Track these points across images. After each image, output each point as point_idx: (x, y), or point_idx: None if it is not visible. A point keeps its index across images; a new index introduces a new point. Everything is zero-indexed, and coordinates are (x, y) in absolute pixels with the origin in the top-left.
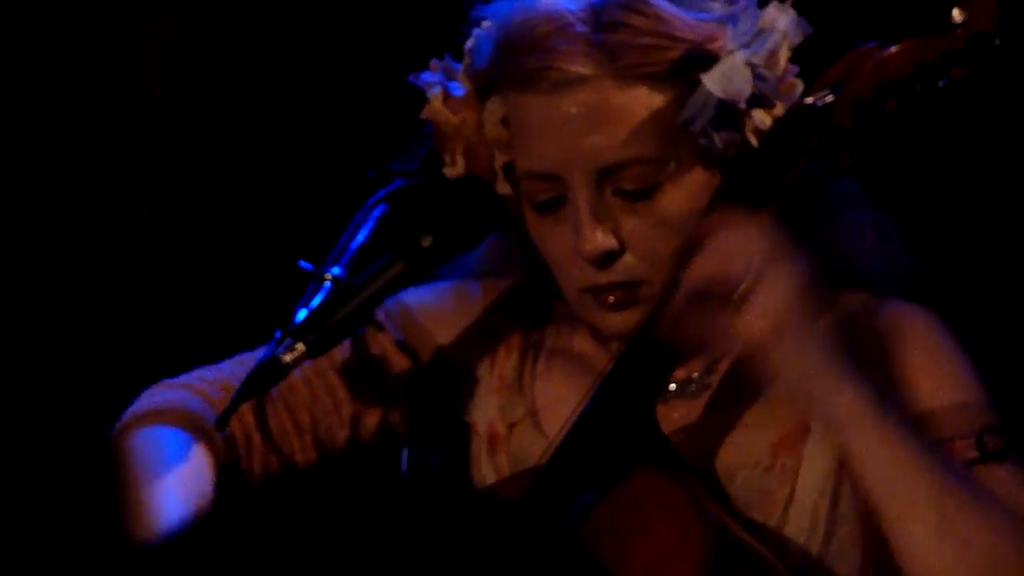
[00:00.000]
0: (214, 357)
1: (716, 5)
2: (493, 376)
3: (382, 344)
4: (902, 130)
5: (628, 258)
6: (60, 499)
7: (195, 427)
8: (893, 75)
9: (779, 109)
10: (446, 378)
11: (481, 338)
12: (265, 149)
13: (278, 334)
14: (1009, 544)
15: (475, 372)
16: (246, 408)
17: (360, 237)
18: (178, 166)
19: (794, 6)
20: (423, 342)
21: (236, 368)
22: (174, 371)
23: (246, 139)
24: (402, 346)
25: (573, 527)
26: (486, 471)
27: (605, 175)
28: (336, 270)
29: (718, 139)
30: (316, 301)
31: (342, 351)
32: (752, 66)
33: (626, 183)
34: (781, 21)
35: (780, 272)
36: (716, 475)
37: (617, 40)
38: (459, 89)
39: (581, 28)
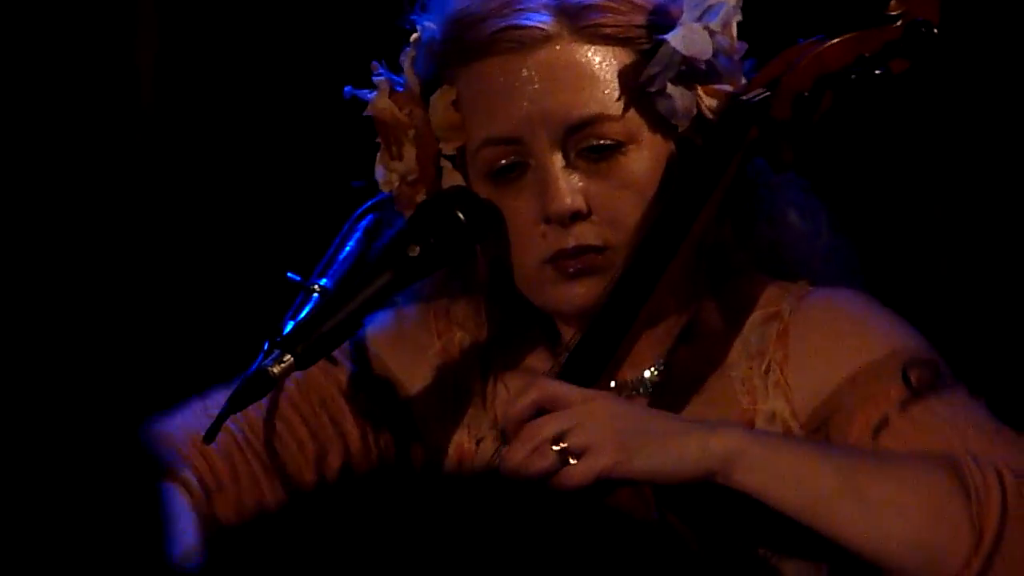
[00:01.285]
0: (204, 369)
1: None
2: (455, 396)
3: (337, 379)
4: (841, 121)
5: (595, 219)
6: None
7: (171, 476)
8: (831, 68)
9: (733, 84)
10: (403, 404)
11: (438, 360)
12: (252, 160)
13: (266, 345)
14: (940, 489)
15: (435, 395)
16: (216, 455)
17: (348, 248)
18: (165, 175)
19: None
20: (377, 371)
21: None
22: (163, 384)
23: (233, 150)
24: (356, 378)
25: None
26: None
27: (572, 133)
28: (324, 281)
29: (677, 103)
30: (304, 312)
31: (300, 390)
32: (709, 31)
33: (592, 142)
34: None
35: (588, 403)
36: None
37: (576, 2)
38: (404, 84)
39: None
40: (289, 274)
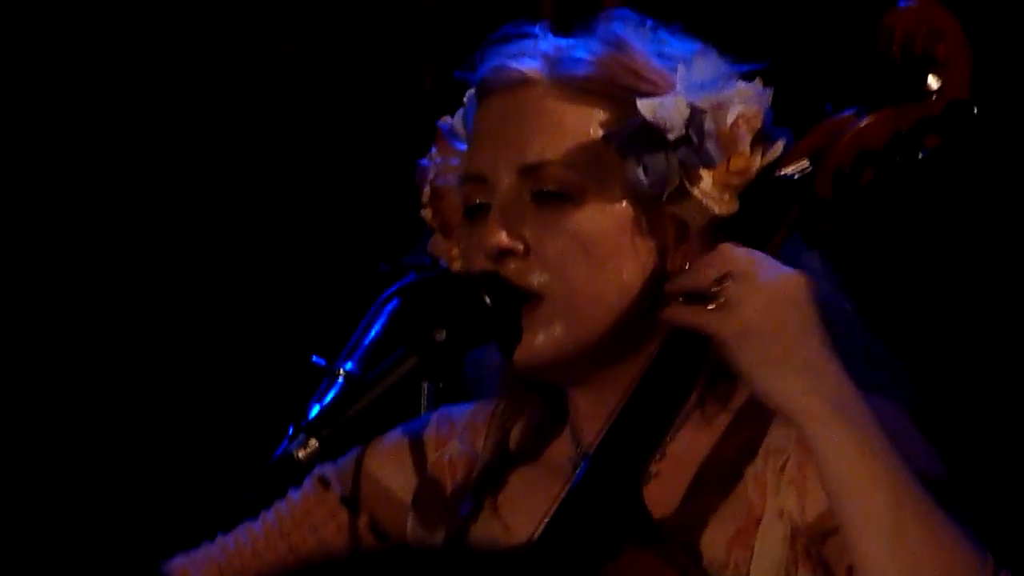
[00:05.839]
0: (230, 452)
1: (678, 51)
2: (445, 495)
3: (328, 502)
4: (879, 200)
5: (530, 260)
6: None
7: None
8: (871, 144)
9: (712, 173)
10: (398, 517)
11: (435, 472)
12: (278, 249)
13: (291, 430)
14: (960, 566)
15: (431, 506)
16: None
17: (373, 332)
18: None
19: (768, 72)
20: (370, 491)
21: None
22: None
23: (260, 230)
24: (345, 502)
25: None
26: None
27: (526, 174)
28: (349, 365)
29: (644, 172)
30: (329, 397)
31: (294, 518)
32: (692, 107)
33: (545, 186)
34: (745, 85)
35: (769, 274)
36: None
37: (567, 55)
38: (451, 130)
39: (541, 36)
40: (314, 358)
